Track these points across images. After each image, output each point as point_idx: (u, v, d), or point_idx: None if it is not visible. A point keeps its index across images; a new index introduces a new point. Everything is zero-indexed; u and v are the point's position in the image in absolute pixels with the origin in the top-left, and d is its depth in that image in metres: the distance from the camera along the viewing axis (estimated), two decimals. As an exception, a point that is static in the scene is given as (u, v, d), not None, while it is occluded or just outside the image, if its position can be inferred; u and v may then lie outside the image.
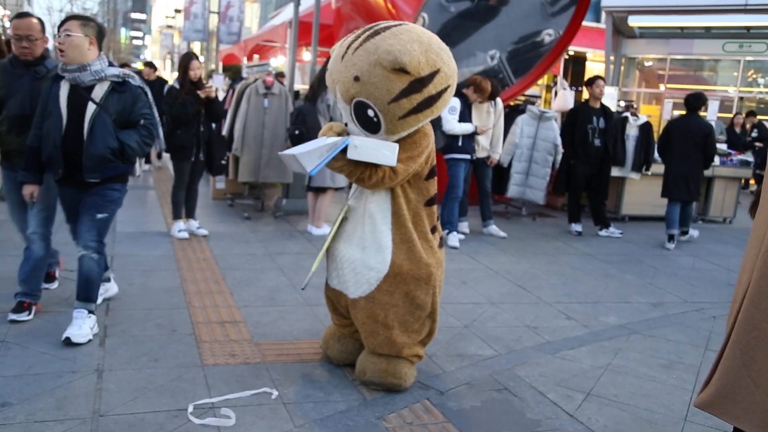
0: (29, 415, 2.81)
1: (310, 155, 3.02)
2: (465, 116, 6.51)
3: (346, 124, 3.25)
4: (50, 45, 4.42)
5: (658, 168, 8.52)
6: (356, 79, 3.02)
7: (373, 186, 3.17)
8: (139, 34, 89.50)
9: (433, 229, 3.35)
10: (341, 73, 3.10)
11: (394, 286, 3.19)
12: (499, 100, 7.05)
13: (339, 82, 3.13)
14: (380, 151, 3.07)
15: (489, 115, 6.94)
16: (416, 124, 3.16)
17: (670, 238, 7.31)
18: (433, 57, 3.01)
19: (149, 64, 11.20)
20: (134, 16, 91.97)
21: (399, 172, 3.14)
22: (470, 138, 6.61)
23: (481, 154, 6.99)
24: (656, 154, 8.48)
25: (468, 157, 6.61)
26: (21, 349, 3.45)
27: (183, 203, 6.21)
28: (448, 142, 6.43)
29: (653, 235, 7.90)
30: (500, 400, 3.33)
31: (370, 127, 3.14)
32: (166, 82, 10.78)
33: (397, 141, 3.16)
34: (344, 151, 3.05)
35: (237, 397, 3.11)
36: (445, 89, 3.12)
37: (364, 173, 3.11)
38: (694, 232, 7.77)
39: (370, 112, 3.08)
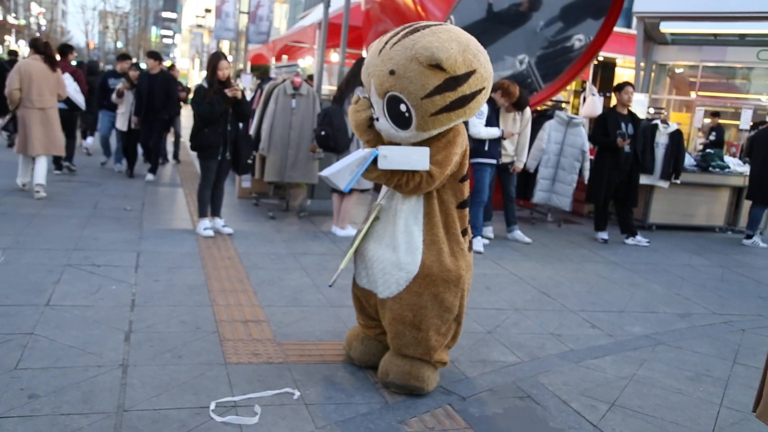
0: (55, 408, 2.85)
1: (342, 173, 3.09)
2: (492, 121, 6.47)
3: (377, 119, 3.24)
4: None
5: (688, 177, 8.43)
6: (391, 72, 3.02)
7: (412, 192, 3.17)
8: (170, 33, 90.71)
9: (464, 232, 3.34)
10: (377, 67, 3.10)
11: (423, 288, 3.18)
12: (527, 107, 7.00)
13: (374, 76, 3.12)
14: (411, 156, 3.09)
15: (515, 123, 6.90)
16: (448, 123, 3.13)
17: (748, 236, 8.28)
18: (470, 57, 3.01)
19: (152, 55, 9.51)
20: (165, 15, 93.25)
21: (435, 176, 3.14)
22: (496, 142, 6.57)
23: (505, 159, 6.94)
24: (686, 163, 8.41)
25: (494, 161, 6.57)
26: (49, 342, 3.51)
27: (209, 201, 6.26)
28: (474, 146, 6.38)
29: (681, 245, 7.78)
30: (523, 408, 3.29)
31: (401, 122, 3.12)
32: (172, 77, 9.76)
33: (430, 142, 3.16)
34: (376, 162, 3.08)
35: (259, 396, 3.12)
36: (480, 90, 3.10)
37: (401, 180, 3.12)
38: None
39: (403, 107, 3.07)
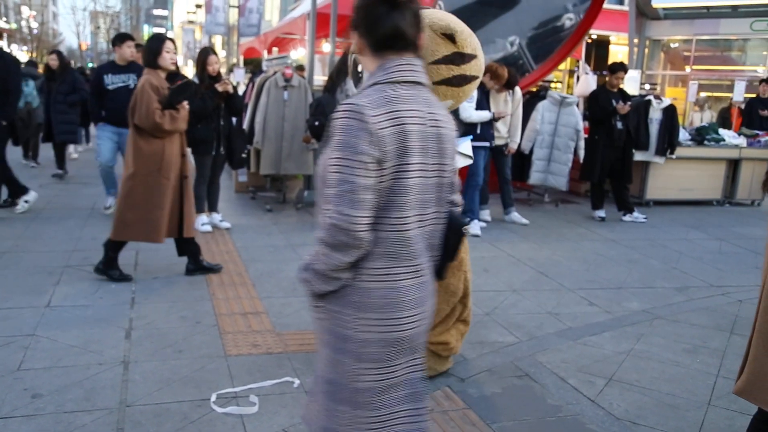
0: (59, 406, 2.89)
1: None
2: (482, 104, 6.48)
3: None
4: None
5: (683, 151, 8.42)
6: None
7: None
8: (161, 30, 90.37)
9: None
10: None
11: None
12: (517, 88, 7.00)
13: None
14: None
15: (507, 104, 6.90)
16: (441, 99, 3.16)
17: None
18: (475, 43, 3.14)
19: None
20: (156, 12, 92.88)
21: None
22: (488, 125, 6.58)
23: (499, 141, 6.95)
24: (680, 137, 8.39)
25: (487, 144, 6.58)
26: (50, 342, 3.54)
27: (205, 197, 6.29)
28: (466, 130, 6.41)
29: (678, 220, 7.80)
30: (521, 387, 3.33)
31: None
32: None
33: None
34: None
35: (259, 386, 3.16)
36: (475, 78, 3.19)
37: None
38: None
39: None
